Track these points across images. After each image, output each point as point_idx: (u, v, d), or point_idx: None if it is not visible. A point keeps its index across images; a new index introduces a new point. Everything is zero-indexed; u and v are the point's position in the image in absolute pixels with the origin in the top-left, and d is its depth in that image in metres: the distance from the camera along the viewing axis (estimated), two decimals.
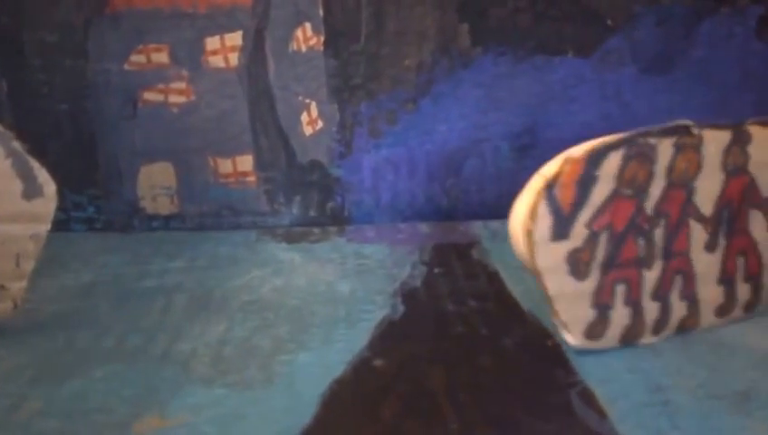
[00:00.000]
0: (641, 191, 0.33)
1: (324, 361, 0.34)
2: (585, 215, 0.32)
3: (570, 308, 0.33)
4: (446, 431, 0.29)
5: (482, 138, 0.52)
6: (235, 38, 0.50)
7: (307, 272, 0.44)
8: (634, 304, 0.34)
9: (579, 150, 0.32)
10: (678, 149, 0.34)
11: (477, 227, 0.51)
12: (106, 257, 0.47)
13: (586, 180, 0.32)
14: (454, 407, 0.30)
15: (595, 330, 0.34)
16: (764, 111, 0.43)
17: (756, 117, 0.36)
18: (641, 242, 0.34)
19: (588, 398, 0.31)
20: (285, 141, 0.52)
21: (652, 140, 0.33)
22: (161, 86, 0.51)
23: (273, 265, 0.46)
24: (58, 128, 0.51)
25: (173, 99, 0.51)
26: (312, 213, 0.53)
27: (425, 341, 0.36)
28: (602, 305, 0.34)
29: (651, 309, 0.35)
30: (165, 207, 0.53)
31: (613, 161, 0.32)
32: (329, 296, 0.41)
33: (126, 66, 0.50)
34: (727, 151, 0.35)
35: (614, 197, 0.33)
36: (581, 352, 0.34)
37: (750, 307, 0.37)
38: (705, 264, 0.35)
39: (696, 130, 0.34)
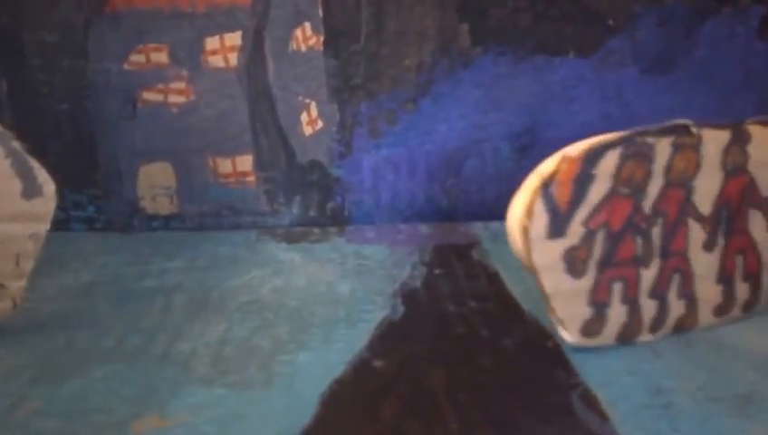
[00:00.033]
0: (639, 190, 0.33)
1: (324, 361, 0.34)
2: (582, 213, 0.32)
3: (566, 306, 0.33)
4: (445, 432, 0.29)
5: (482, 138, 0.52)
6: (235, 38, 0.50)
7: (307, 272, 0.44)
8: (631, 302, 0.34)
9: (576, 149, 0.32)
10: (677, 148, 0.34)
11: (478, 228, 0.51)
12: (106, 257, 0.47)
13: (583, 179, 0.32)
14: (454, 407, 0.30)
15: (592, 328, 0.34)
16: (767, 112, 0.42)
17: (757, 117, 0.36)
18: (639, 240, 0.34)
19: (589, 399, 0.31)
20: (285, 141, 0.52)
21: (650, 140, 0.33)
22: (161, 86, 0.51)
23: (272, 266, 0.45)
24: (58, 128, 0.51)
25: (173, 99, 0.51)
26: (312, 213, 0.53)
27: (425, 341, 0.36)
28: (599, 303, 0.34)
29: (649, 307, 0.35)
30: (165, 207, 0.53)
31: (610, 160, 0.32)
32: (329, 297, 0.41)
33: (126, 66, 0.50)
34: (726, 151, 0.35)
35: (611, 195, 0.33)
36: (582, 353, 0.34)
37: (749, 307, 0.37)
38: (704, 263, 0.35)
39: (694, 130, 0.34)
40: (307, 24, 0.50)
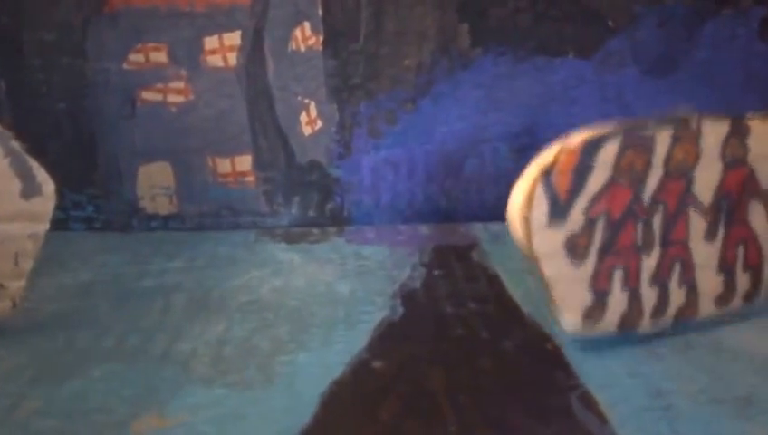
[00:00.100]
0: (638, 180, 0.33)
1: (324, 361, 0.34)
2: (582, 202, 0.32)
3: (567, 292, 0.33)
4: (445, 433, 0.29)
5: (481, 138, 0.52)
6: (234, 38, 0.50)
7: (306, 272, 0.44)
8: (632, 289, 0.34)
9: (575, 140, 0.32)
10: (676, 139, 0.34)
11: (477, 229, 0.51)
12: (105, 257, 0.47)
13: (582, 169, 0.32)
14: (453, 409, 0.30)
15: (592, 314, 0.34)
16: None
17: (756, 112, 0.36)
18: (639, 229, 0.34)
19: (588, 402, 0.31)
20: (284, 141, 0.52)
21: (649, 131, 0.33)
22: (160, 85, 0.51)
23: (272, 266, 0.45)
24: (57, 127, 0.51)
25: (172, 98, 0.51)
26: (312, 213, 0.53)
27: (424, 342, 0.36)
28: (600, 291, 0.34)
29: (649, 295, 0.35)
30: (164, 206, 0.53)
31: (609, 151, 0.32)
32: (328, 297, 0.41)
33: (125, 65, 0.50)
34: (726, 142, 0.35)
35: (611, 184, 0.33)
36: (581, 355, 0.34)
37: (749, 297, 0.37)
38: (705, 253, 0.35)
39: (694, 122, 0.34)
40: (306, 24, 0.50)
